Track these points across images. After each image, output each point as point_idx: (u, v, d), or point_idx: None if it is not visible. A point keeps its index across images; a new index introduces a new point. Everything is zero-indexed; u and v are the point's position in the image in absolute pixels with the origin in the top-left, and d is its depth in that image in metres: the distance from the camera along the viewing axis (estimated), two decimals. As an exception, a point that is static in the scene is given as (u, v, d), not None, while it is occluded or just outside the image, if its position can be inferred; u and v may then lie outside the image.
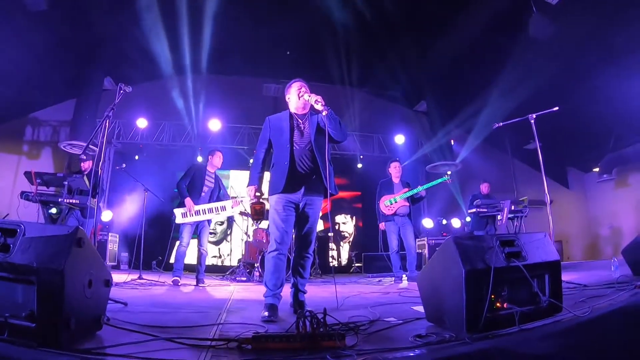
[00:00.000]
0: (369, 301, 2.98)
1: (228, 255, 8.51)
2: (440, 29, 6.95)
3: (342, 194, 8.84)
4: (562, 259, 6.40)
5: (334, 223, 9.23)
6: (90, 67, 7.68)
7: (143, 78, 8.11)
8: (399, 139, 9.09)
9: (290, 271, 2.75)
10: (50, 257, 1.40)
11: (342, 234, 9.46)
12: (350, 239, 9.46)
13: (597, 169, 9.15)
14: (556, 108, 3.37)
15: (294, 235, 2.77)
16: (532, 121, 3.49)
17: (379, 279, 5.87)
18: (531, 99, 6.24)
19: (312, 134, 2.63)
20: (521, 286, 1.78)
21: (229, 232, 8.74)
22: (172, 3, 6.36)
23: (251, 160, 4.51)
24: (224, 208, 4.85)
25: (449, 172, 5.36)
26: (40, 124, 8.53)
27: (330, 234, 8.62)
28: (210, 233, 6.24)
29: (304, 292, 2.67)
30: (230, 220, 7.87)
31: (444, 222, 8.82)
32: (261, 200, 2.82)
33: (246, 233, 6.50)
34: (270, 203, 2.61)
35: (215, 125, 8.30)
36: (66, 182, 4.15)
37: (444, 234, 8.30)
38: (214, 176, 4.94)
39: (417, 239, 7.25)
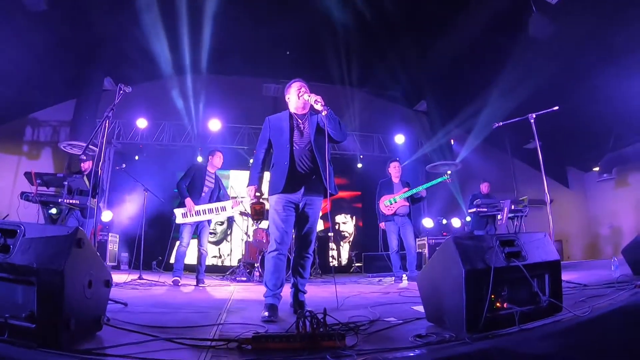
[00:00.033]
0: (369, 301, 2.98)
1: (228, 255, 8.50)
2: (440, 29, 6.95)
3: (342, 193, 8.84)
4: (562, 258, 6.38)
5: (334, 223, 9.22)
6: (90, 67, 7.68)
7: (143, 78, 8.11)
8: (399, 139, 9.09)
9: (290, 271, 2.75)
10: (50, 258, 1.40)
11: (342, 233, 9.46)
12: (350, 239, 9.46)
13: (597, 169, 9.15)
14: (556, 108, 3.37)
15: (294, 235, 2.77)
16: (532, 121, 3.49)
17: (379, 278, 5.87)
18: (531, 99, 6.25)
19: (312, 134, 2.63)
20: (521, 286, 1.78)
21: (229, 232, 8.73)
22: (172, 3, 6.36)
23: (251, 160, 4.51)
24: (224, 208, 4.85)
25: (448, 172, 5.36)
26: (40, 124, 8.53)
27: (330, 234, 8.60)
28: (211, 233, 6.24)
29: (304, 292, 2.67)
30: (230, 220, 7.87)
31: (444, 221, 8.83)
32: (261, 200, 2.82)
33: (246, 233, 6.50)
34: (270, 203, 2.61)
35: (215, 125, 8.29)
36: (66, 183, 4.14)
37: (444, 233, 8.29)
38: (214, 176, 4.93)
39: (417, 239, 7.26)
